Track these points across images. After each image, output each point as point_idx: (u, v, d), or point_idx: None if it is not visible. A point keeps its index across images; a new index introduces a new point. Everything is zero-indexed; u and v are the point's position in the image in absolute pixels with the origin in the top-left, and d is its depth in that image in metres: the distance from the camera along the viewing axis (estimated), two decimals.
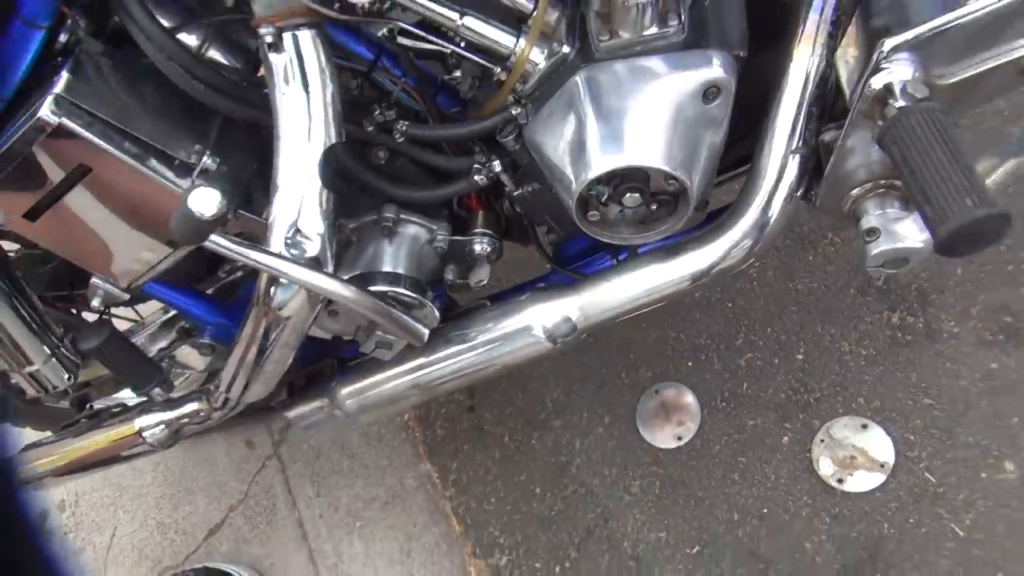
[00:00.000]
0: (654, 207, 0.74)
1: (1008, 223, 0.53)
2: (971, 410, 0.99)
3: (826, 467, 1.04)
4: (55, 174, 0.79)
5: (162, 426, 1.10)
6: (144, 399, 1.16)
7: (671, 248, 0.81)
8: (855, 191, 0.70)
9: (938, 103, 0.58)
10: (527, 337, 0.88)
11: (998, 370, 0.99)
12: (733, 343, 1.15)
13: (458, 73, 0.86)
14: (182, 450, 1.58)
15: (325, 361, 1.10)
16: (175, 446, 1.46)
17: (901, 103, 0.60)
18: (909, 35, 0.60)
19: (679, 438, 1.15)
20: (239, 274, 1.08)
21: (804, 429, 1.07)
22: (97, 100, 0.75)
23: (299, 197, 0.79)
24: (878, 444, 1.02)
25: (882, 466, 1.01)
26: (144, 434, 1.12)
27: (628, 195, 0.71)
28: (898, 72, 0.60)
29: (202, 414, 1.05)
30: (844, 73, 0.66)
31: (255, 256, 0.73)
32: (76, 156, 0.76)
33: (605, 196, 0.73)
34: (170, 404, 1.08)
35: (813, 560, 1.02)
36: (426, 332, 0.85)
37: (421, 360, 0.94)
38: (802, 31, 0.68)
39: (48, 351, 1.01)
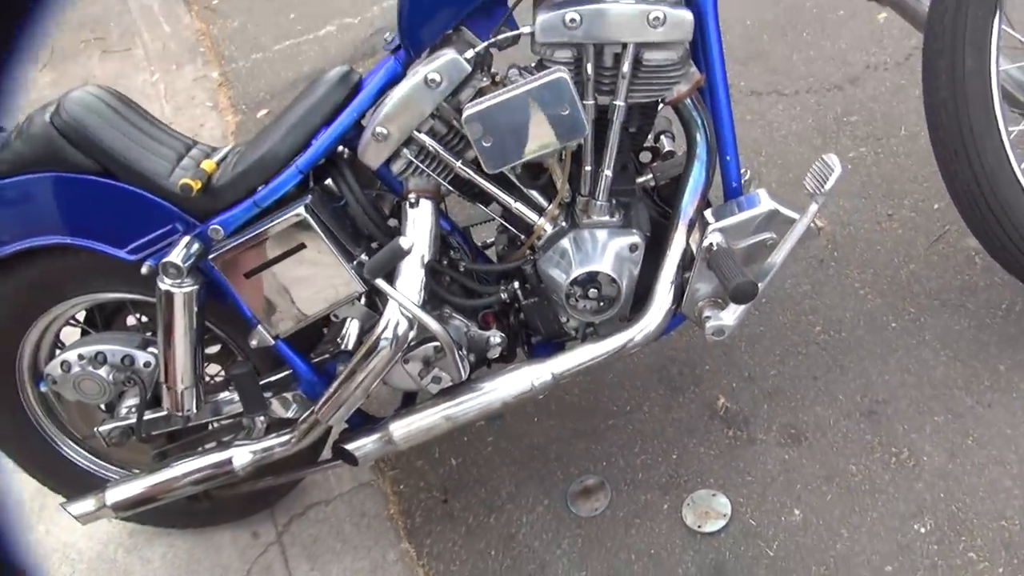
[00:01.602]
0: (601, 304, 1.45)
1: (756, 287, 1.26)
2: (774, 483, 1.63)
3: (690, 520, 1.62)
4: (281, 248, 1.43)
5: (252, 455, 1.58)
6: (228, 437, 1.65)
7: (607, 332, 1.49)
8: (700, 303, 1.43)
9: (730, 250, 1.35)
10: (520, 384, 1.50)
11: (788, 460, 1.65)
12: (632, 450, 1.77)
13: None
14: (190, 542, 1.95)
15: None
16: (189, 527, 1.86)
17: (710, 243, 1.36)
18: (719, 225, 1.38)
19: (596, 510, 1.70)
20: (326, 356, 1.65)
21: (677, 499, 1.66)
22: (321, 212, 1.42)
23: (411, 281, 1.45)
24: (721, 504, 1.63)
25: (724, 516, 1.60)
26: (234, 462, 1.59)
27: (591, 290, 1.42)
28: (716, 238, 1.37)
29: (292, 442, 1.55)
30: (692, 245, 1.43)
31: (401, 297, 1.37)
32: (300, 239, 1.42)
33: (578, 294, 1.43)
34: (261, 436, 1.59)
35: None
36: (467, 372, 1.47)
37: (449, 402, 1.52)
38: (676, 227, 1.45)
39: (193, 379, 1.54)
